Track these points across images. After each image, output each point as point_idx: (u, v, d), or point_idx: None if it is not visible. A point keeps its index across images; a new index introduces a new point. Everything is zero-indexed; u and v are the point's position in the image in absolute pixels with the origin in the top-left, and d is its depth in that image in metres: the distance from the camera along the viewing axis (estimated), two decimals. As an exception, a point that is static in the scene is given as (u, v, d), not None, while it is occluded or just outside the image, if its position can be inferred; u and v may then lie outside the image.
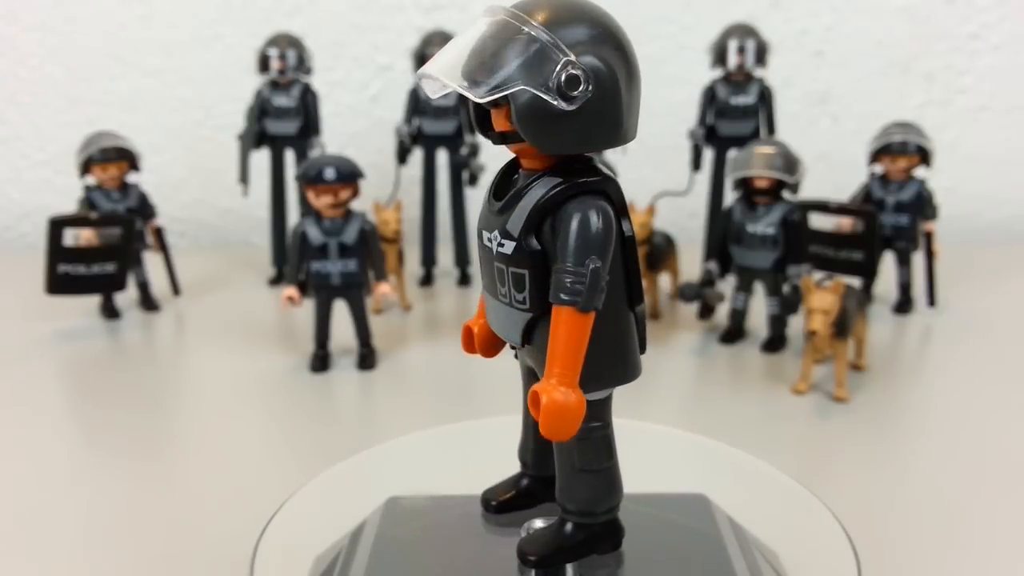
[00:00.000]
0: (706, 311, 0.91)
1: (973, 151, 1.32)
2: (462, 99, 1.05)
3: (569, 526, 0.39)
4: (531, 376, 0.40)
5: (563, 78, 0.33)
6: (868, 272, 0.93)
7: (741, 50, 0.99)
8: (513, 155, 0.38)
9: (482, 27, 0.34)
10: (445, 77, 0.34)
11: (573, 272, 0.34)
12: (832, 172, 1.18)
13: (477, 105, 0.35)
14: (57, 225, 0.90)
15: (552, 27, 0.33)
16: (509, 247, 0.36)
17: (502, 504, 0.44)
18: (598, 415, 0.38)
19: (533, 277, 0.35)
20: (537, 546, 0.39)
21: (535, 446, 0.43)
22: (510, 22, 0.33)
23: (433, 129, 1.06)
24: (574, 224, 0.34)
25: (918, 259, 0.98)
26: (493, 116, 0.36)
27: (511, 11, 0.34)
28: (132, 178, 0.99)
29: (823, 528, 0.43)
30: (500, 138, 0.36)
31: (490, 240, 0.37)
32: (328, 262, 0.79)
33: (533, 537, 0.40)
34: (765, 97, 1.01)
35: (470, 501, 0.45)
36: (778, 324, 0.86)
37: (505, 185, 0.37)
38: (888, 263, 0.98)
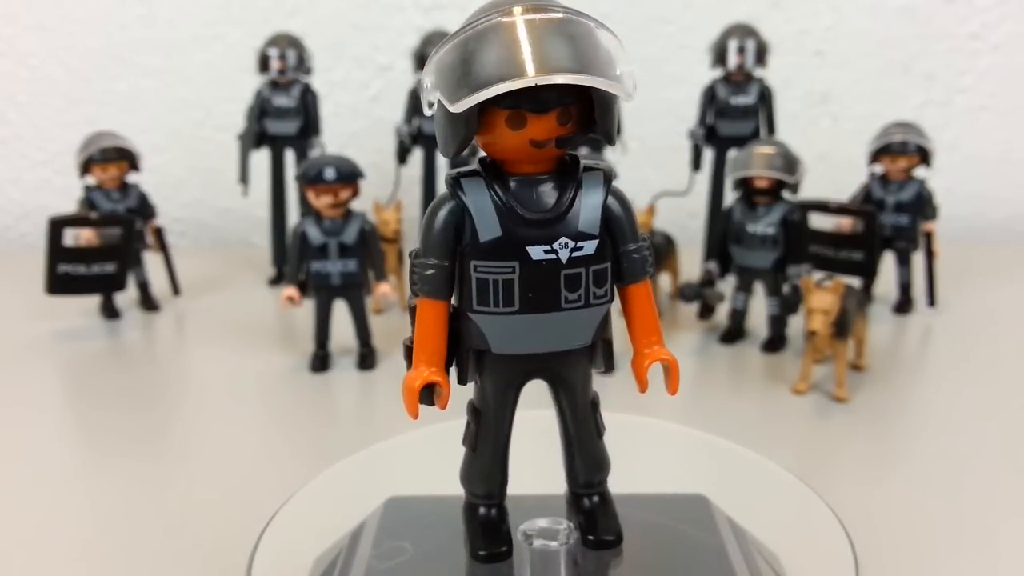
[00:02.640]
0: (706, 311, 0.91)
1: (973, 151, 1.32)
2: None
3: (609, 493, 0.42)
4: (516, 402, 0.40)
5: (628, 72, 0.34)
6: (868, 272, 0.93)
7: (741, 50, 0.99)
8: (464, 169, 0.37)
9: (546, 25, 0.32)
10: (583, 75, 0.32)
11: (642, 247, 0.37)
12: (832, 172, 1.18)
13: (466, 120, 0.33)
14: (57, 225, 0.90)
15: (603, 24, 0.34)
16: (592, 246, 0.36)
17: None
18: None
19: (610, 267, 0.37)
20: (616, 524, 0.42)
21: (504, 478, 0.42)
22: (577, 19, 0.33)
23: (433, 129, 1.06)
24: (626, 206, 0.37)
25: (918, 259, 0.98)
26: (541, 121, 0.34)
27: (566, 8, 0.33)
28: (132, 178, 0.99)
29: (823, 528, 0.43)
30: (537, 144, 0.34)
31: (553, 250, 0.36)
32: (328, 262, 0.79)
33: (606, 523, 0.41)
34: (765, 97, 1.01)
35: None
36: (778, 324, 0.86)
37: (527, 195, 0.36)
38: (888, 263, 0.98)
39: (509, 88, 0.32)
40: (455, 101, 0.33)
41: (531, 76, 0.31)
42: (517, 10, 0.33)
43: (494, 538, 0.41)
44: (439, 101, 0.33)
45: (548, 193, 0.36)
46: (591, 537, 0.41)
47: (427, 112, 0.35)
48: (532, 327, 0.37)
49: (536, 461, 0.43)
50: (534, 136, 0.34)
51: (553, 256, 0.35)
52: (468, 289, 0.36)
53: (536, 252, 0.35)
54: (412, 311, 0.37)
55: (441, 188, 1.27)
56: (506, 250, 0.35)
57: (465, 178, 0.36)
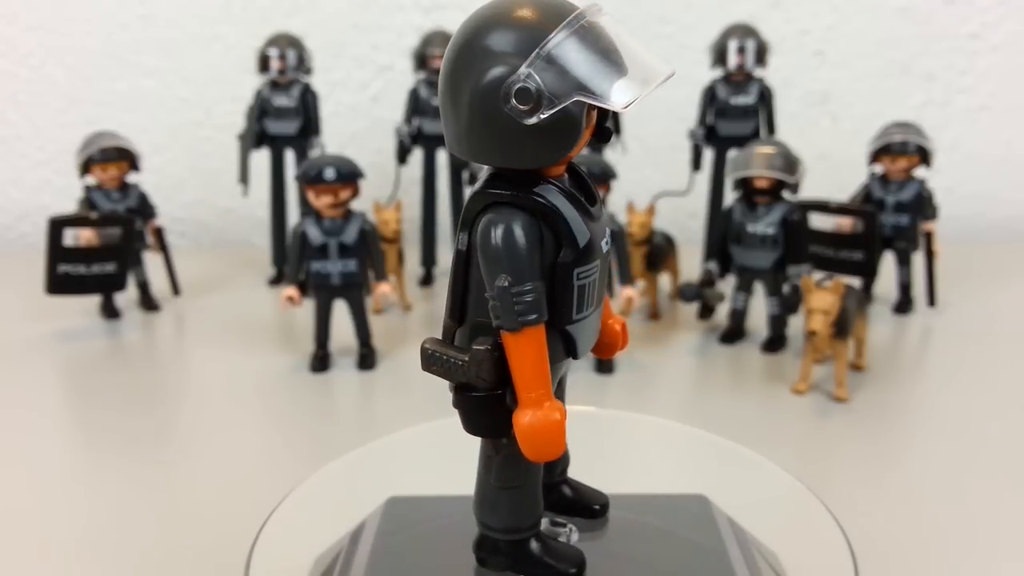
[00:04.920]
0: (706, 311, 0.91)
1: (973, 151, 1.32)
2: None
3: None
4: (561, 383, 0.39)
5: None
6: (868, 272, 0.93)
7: (741, 50, 0.99)
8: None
9: (611, 25, 0.32)
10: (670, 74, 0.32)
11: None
12: (832, 172, 1.18)
13: (581, 120, 0.32)
14: (57, 225, 0.90)
15: None
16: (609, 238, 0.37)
17: None
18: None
19: None
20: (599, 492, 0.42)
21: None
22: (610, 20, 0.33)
23: (433, 129, 1.06)
24: None
25: (918, 259, 0.98)
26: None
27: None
28: (132, 178, 0.99)
29: (822, 528, 0.43)
30: (587, 144, 0.35)
31: (608, 242, 0.37)
32: (328, 262, 0.79)
33: (592, 493, 0.42)
34: (765, 97, 1.01)
35: (470, 501, 0.45)
36: (778, 324, 0.86)
37: (581, 196, 0.35)
38: (888, 263, 0.98)
39: (662, 82, 0.32)
40: (616, 98, 0.31)
41: (664, 73, 0.32)
42: (593, 10, 0.33)
43: (568, 550, 0.39)
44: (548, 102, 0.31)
45: (586, 192, 0.36)
46: (589, 508, 0.42)
47: (532, 120, 0.31)
48: (595, 323, 0.37)
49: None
50: (587, 136, 0.34)
51: (607, 248, 0.36)
52: (568, 300, 0.34)
53: (604, 246, 0.36)
54: (494, 350, 0.34)
55: (441, 188, 1.26)
56: (594, 250, 0.35)
57: (540, 187, 0.34)
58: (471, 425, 0.35)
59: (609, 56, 0.31)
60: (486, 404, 0.34)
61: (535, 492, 0.38)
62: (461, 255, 0.35)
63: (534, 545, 0.38)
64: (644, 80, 0.31)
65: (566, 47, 0.31)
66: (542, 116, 0.31)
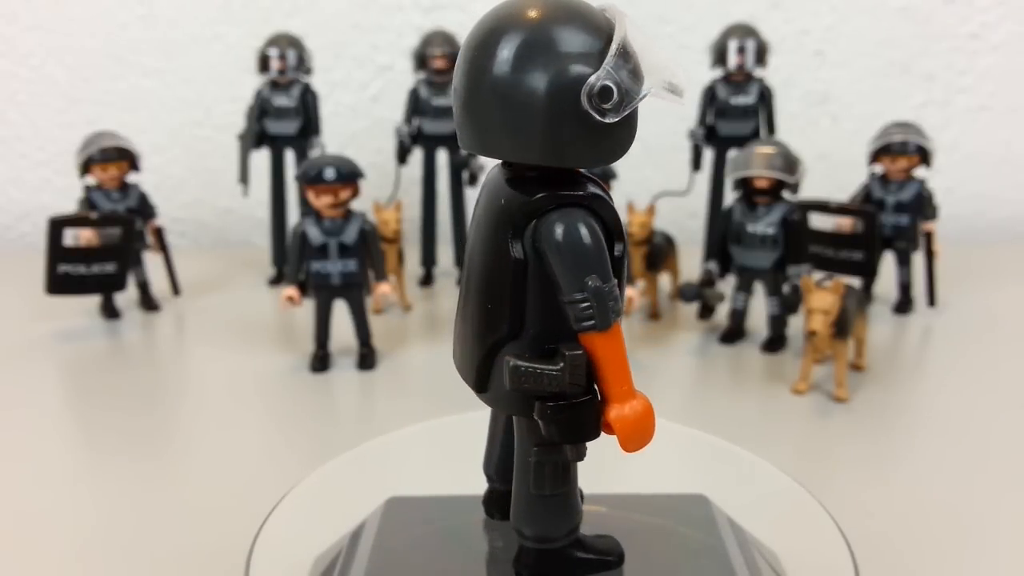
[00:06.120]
0: (706, 311, 0.91)
1: (973, 151, 1.32)
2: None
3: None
4: None
5: None
6: (868, 272, 0.93)
7: (741, 50, 0.99)
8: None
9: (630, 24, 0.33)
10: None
11: None
12: (832, 172, 1.18)
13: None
14: (57, 225, 0.90)
15: None
16: None
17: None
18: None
19: None
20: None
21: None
22: None
23: (433, 129, 1.06)
24: None
25: (918, 259, 0.98)
26: None
27: None
28: (132, 178, 0.99)
29: (822, 528, 0.44)
30: None
31: None
32: (328, 262, 0.79)
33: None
34: (765, 97, 1.01)
35: (470, 501, 0.45)
36: (778, 324, 0.86)
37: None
38: (888, 263, 0.98)
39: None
40: (678, 89, 0.32)
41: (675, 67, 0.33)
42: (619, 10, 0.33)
43: (604, 541, 0.40)
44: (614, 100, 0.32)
45: None
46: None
47: (613, 119, 0.32)
48: None
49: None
50: None
51: None
52: (620, 294, 0.35)
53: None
54: (573, 361, 0.33)
55: (441, 188, 1.26)
56: None
57: (591, 186, 0.34)
58: (565, 433, 0.34)
59: (648, 52, 0.32)
60: (581, 409, 0.34)
61: (573, 492, 0.38)
62: (518, 264, 0.33)
63: (573, 551, 0.39)
64: (673, 72, 0.32)
65: (629, 44, 0.32)
66: (623, 113, 0.32)
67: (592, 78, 0.31)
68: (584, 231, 0.33)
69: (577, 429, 0.34)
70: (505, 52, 0.32)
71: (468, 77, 0.33)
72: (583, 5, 0.33)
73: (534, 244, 0.33)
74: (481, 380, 0.36)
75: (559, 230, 0.33)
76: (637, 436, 0.34)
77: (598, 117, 0.31)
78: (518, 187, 0.34)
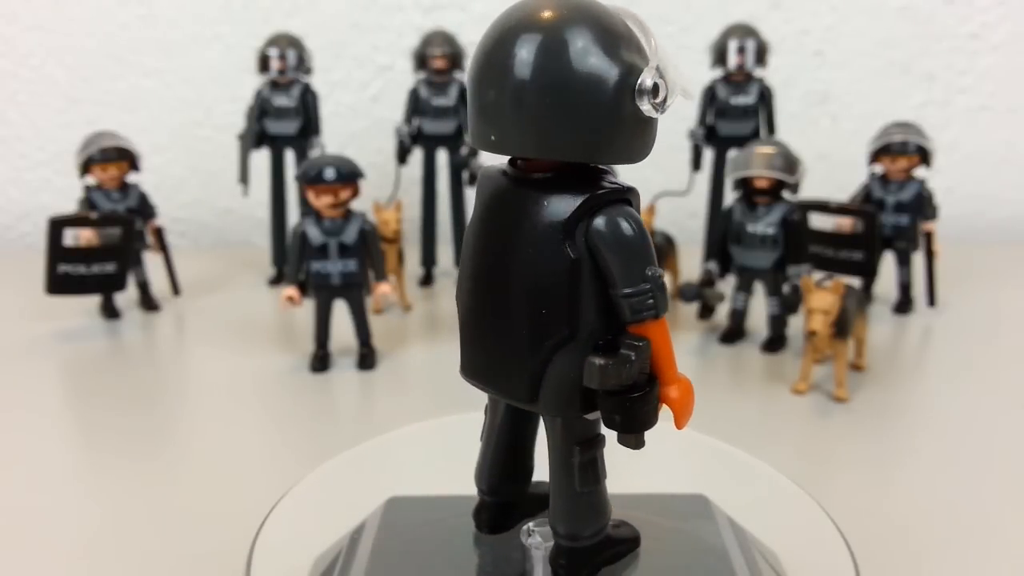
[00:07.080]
0: (706, 311, 0.91)
1: (973, 151, 1.32)
2: (462, 99, 1.05)
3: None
4: None
5: None
6: (868, 272, 0.93)
7: (741, 50, 0.99)
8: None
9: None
10: None
11: None
12: (832, 172, 1.18)
13: None
14: (57, 225, 0.90)
15: None
16: None
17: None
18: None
19: None
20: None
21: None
22: None
23: (433, 129, 1.06)
24: None
25: (918, 259, 0.98)
26: None
27: None
28: (132, 178, 0.99)
29: (822, 528, 0.43)
30: None
31: None
32: (328, 262, 0.79)
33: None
34: (765, 97, 1.01)
35: (470, 501, 0.45)
36: (778, 324, 0.86)
37: None
38: (888, 263, 0.98)
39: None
40: (688, 92, 0.34)
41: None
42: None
43: (622, 529, 0.41)
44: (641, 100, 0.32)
45: None
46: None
47: (658, 113, 0.32)
48: None
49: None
50: None
51: None
52: None
53: None
54: (645, 350, 0.34)
55: (441, 188, 1.26)
56: None
57: (619, 179, 0.35)
58: (636, 423, 0.34)
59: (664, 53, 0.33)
60: (647, 397, 0.34)
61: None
62: (575, 264, 0.33)
63: (608, 537, 0.40)
64: (681, 73, 0.33)
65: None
66: (666, 109, 0.32)
67: (644, 74, 0.32)
68: (637, 225, 0.34)
69: (646, 418, 0.34)
70: (558, 50, 0.31)
71: (507, 75, 0.32)
72: (611, 5, 0.33)
73: (586, 242, 0.33)
74: (534, 388, 0.35)
75: (619, 226, 0.33)
76: (688, 411, 0.35)
77: (647, 113, 0.32)
78: (546, 189, 0.34)
